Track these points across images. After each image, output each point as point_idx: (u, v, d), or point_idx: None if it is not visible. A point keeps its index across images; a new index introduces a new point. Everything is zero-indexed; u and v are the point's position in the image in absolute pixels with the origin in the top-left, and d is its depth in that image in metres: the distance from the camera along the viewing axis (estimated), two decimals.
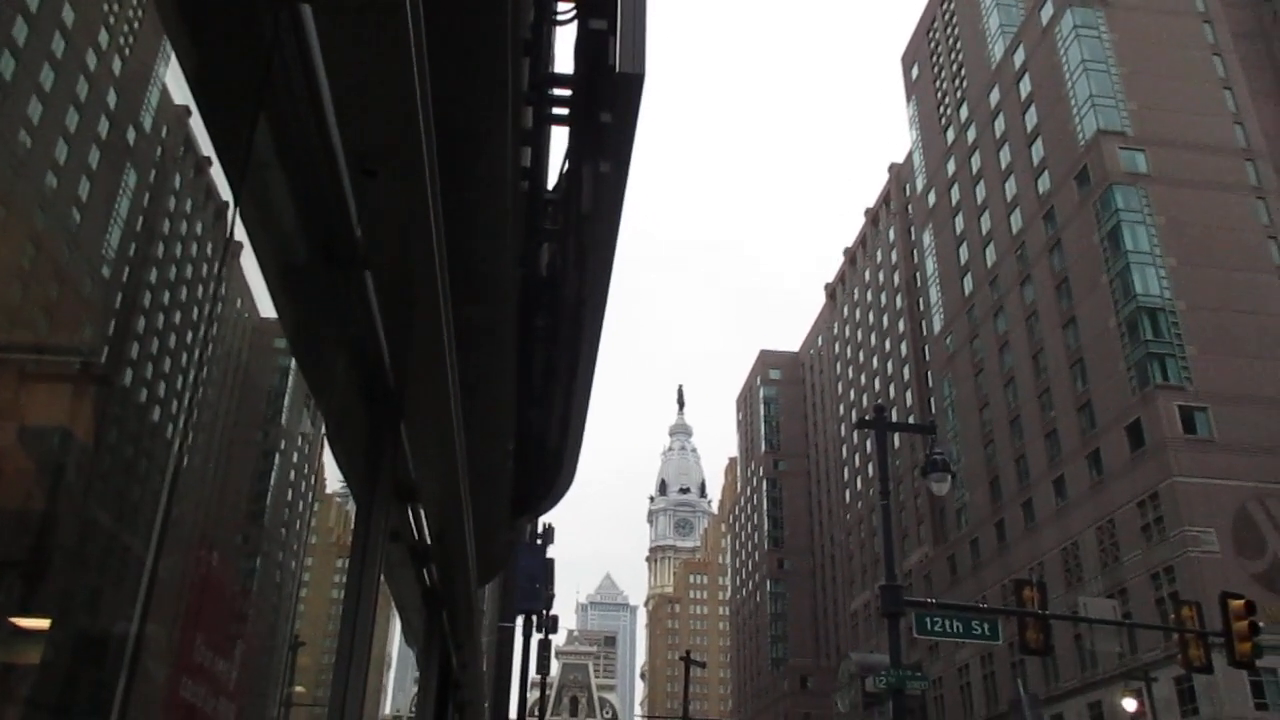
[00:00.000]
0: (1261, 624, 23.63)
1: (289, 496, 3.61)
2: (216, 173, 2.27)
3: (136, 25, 1.93)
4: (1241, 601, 23.10)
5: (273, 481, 3.39)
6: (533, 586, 23.99)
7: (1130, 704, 47.55)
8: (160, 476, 2.17)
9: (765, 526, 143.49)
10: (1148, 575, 58.75)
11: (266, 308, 2.83)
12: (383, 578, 4.53)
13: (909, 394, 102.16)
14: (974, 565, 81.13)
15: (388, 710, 8.12)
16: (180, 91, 2.07)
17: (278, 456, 3.41)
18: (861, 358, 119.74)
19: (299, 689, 4.14)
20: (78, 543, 1.95)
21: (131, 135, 1.97)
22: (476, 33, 3.01)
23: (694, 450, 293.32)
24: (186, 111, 2.13)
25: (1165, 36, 73.95)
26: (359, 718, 3.92)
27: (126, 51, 1.91)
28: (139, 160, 2.03)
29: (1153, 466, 59.88)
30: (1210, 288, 63.57)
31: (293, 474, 3.60)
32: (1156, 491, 59.29)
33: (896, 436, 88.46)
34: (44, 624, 1.81)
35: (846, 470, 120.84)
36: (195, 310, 2.33)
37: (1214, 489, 57.17)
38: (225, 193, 2.29)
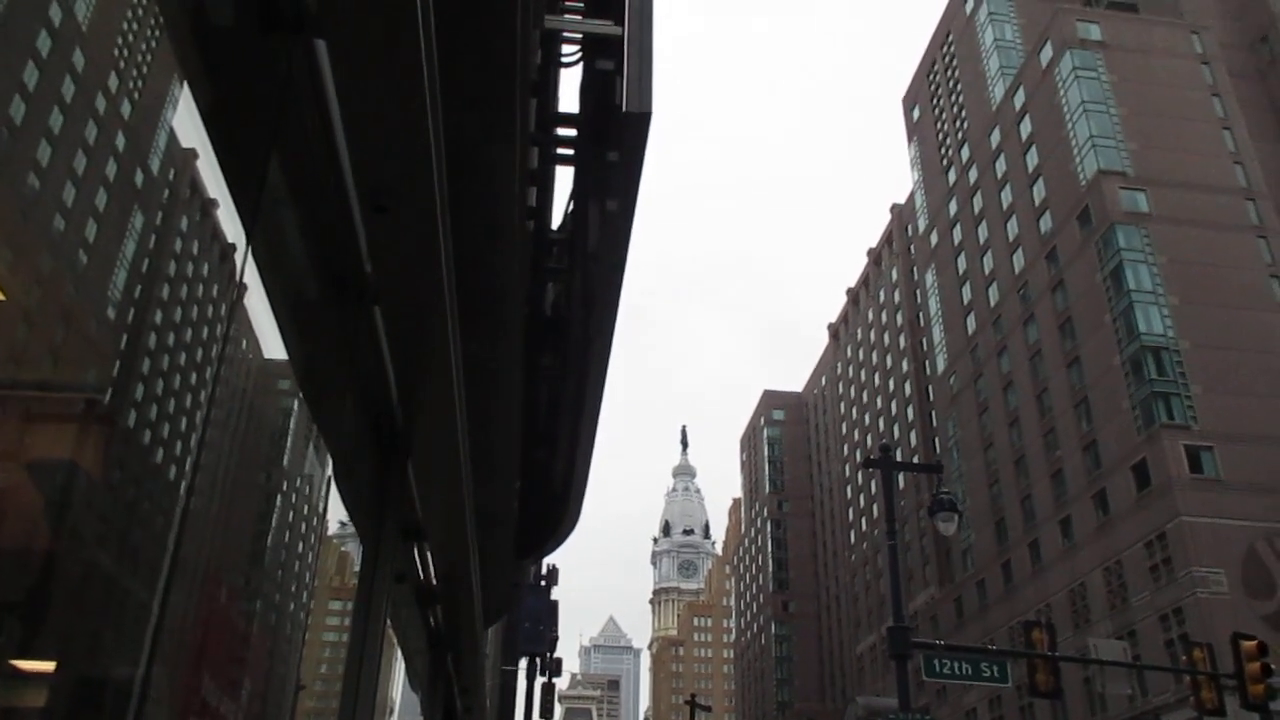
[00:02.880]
0: (1274, 666, 23.33)
1: (295, 537, 3.57)
2: (229, 210, 2.27)
3: (151, 65, 1.93)
4: (1254, 643, 22.84)
5: (279, 522, 3.36)
6: (536, 629, 23.80)
7: None
8: (166, 517, 2.15)
9: (770, 568, 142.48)
10: (1157, 617, 58.16)
11: (276, 346, 2.81)
12: (388, 619, 4.48)
13: (913, 434, 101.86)
14: (980, 607, 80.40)
15: None
16: (194, 130, 2.07)
17: (285, 496, 3.38)
18: (865, 398, 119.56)
19: None
20: (83, 584, 1.92)
21: (142, 177, 1.97)
22: (487, 72, 3.02)
23: (698, 491, 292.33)
24: (199, 151, 2.13)
25: (1164, 77, 74.56)
26: None
27: (140, 93, 1.91)
28: (150, 201, 2.02)
29: (1160, 506, 59.49)
30: (1214, 327, 63.54)
31: (299, 514, 3.57)
32: (1164, 532, 58.85)
33: (901, 477, 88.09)
34: (49, 666, 1.78)
35: (851, 511, 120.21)
36: (204, 351, 2.32)
37: (1222, 529, 56.74)
38: (237, 230, 2.29)
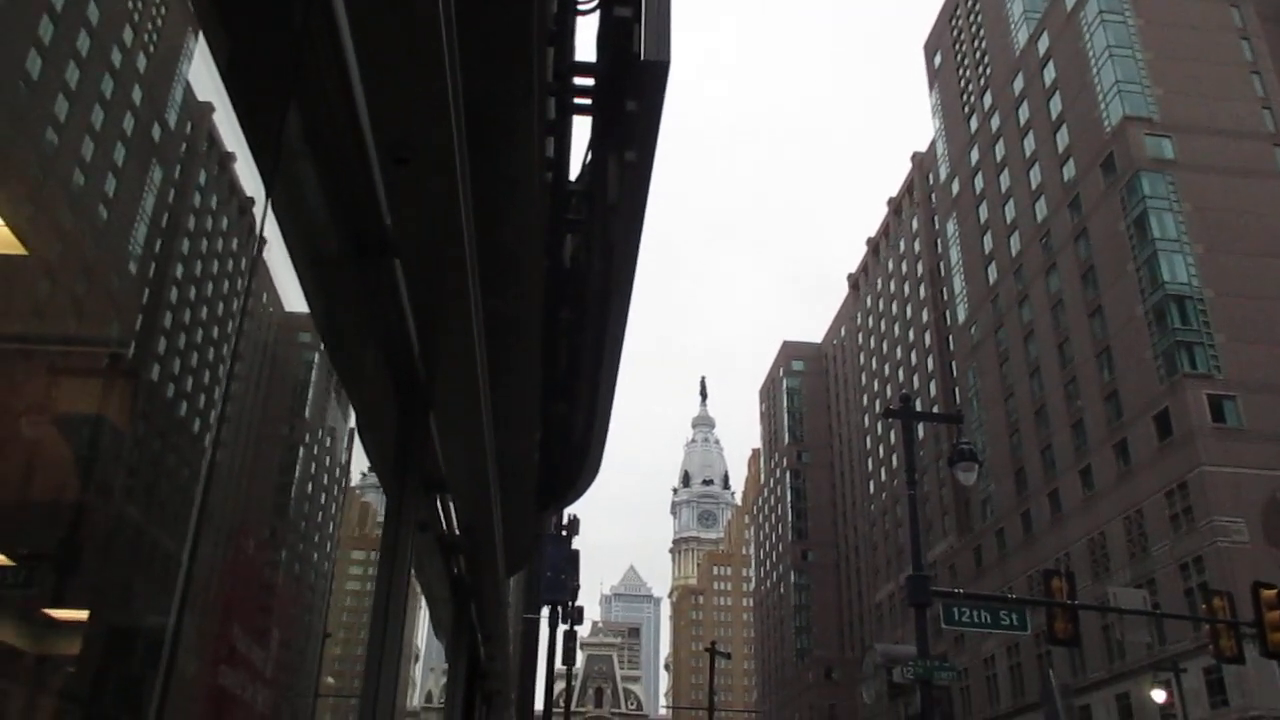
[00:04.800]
0: None
1: (320, 489, 3.61)
2: (248, 164, 2.26)
3: (168, 18, 1.92)
4: (1274, 591, 22.83)
5: (304, 474, 3.39)
6: (558, 578, 24.01)
7: (1159, 695, 47.20)
8: (193, 470, 2.17)
9: (789, 518, 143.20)
10: (1176, 566, 58.22)
11: (297, 299, 2.82)
12: (412, 569, 4.53)
13: (933, 384, 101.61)
14: (999, 556, 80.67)
15: (417, 701, 8.15)
16: (212, 83, 2.06)
17: (309, 449, 3.41)
18: (885, 348, 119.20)
19: (330, 680, 4.15)
20: (113, 536, 1.95)
21: (160, 131, 1.97)
22: (504, 20, 2.99)
23: (717, 442, 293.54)
24: (217, 104, 2.12)
25: (1192, 20, 73.02)
26: (391, 708, 3.92)
27: (156, 46, 1.90)
28: (170, 156, 2.02)
29: (1181, 456, 59.30)
30: (1239, 275, 62.79)
31: (323, 466, 3.60)
32: (1185, 481, 58.72)
33: (921, 427, 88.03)
34: (83, 615, 1.81)
35: (870, 461, 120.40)
36: (228, 303, 2.33)
37: (1243, 478, 56.55)
38: (257, 184, 2.28)
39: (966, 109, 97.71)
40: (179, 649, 2.04)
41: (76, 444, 1.80)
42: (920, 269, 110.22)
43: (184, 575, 2.05)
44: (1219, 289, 62.41)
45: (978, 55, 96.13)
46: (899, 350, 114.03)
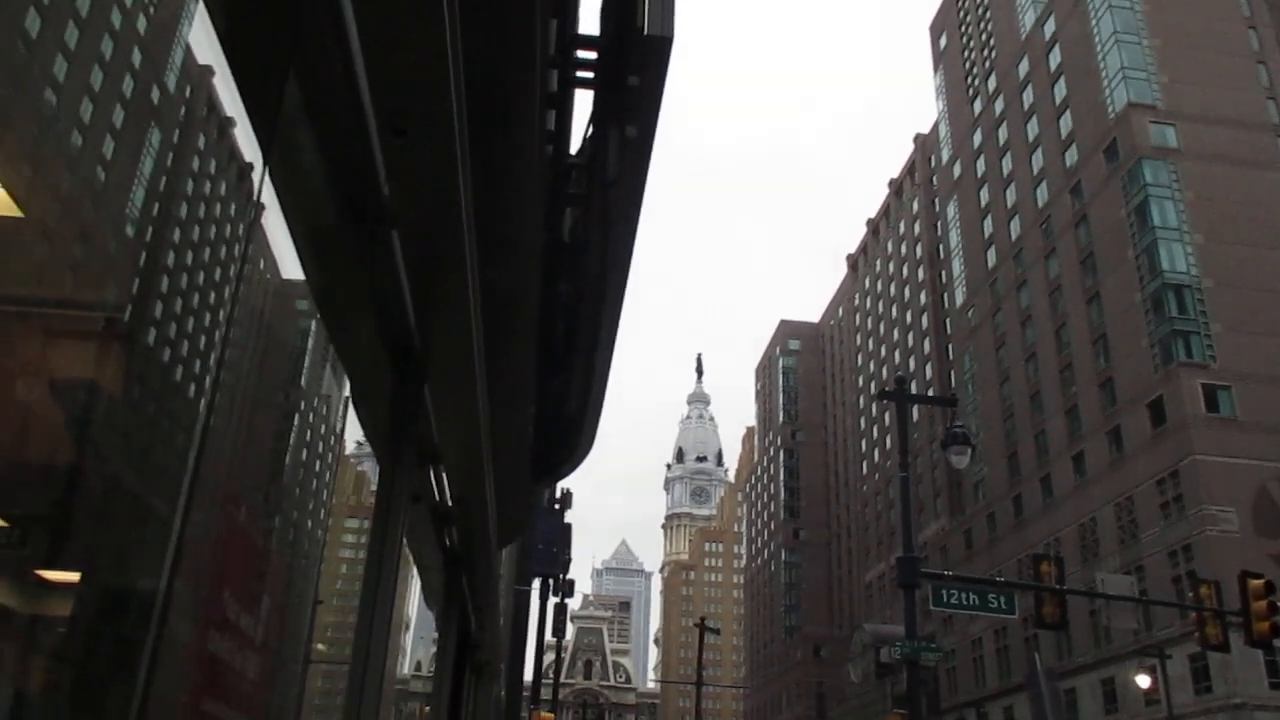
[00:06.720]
0: None
1: (313, 457, 3.62)
2: (245, 131, 2.25)
3: None
4: (1261, 581, 22.99)
5: (298, 442, 3.40)
6: (550, 551, 24.16)
7: (1144, 680, 47.62)
8: (187, 435, 2.17)
9: (781, 496, 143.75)
10: (1165, 553, 58.57)
11: (294, 267, 2.82)
12: (404, 539, 4.55)
13: (929, 367, 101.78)
14: (990, 539, 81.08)
15: (406, 670, 8.20)
16: (210, 48, 2.05)
17: (303, 417, 3.42)
18: (882, 329, 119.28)
19: (320, 647, 4.18)
20: (106, 499, 1.96)
21: (159, 94, 1.96)
22: None
23: (712, 419, 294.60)
24: (215, 69, 2.11)
25: (1199, 8, 72.66)
26: (380, 675, 3.95)
27: (155, 8, 1.89)
28: (168, 119, 2.02)
29: (1173, 444, 59.53)
30: (1238, 265, 62.82)
31: (318, 435, 3.61)
32: (1177, 469, 58.97)
33: (915, 409, 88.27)
34: (74, 578, 1.82)
35: (864, 442, 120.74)
36: (224, 269, 2.33)
37: (1235, 468, 56.80)
38: (254, 150, 2.28)
39: (971, 91, 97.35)
40: (170, 613, 2.06)
41: (71, 407, 1.81)
42: (919, 251, 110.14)
43: (176, 540, 2.06)
44: (1217, 279, 62.47)
45: (983, 37, 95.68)
46: (895, 332, 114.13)
